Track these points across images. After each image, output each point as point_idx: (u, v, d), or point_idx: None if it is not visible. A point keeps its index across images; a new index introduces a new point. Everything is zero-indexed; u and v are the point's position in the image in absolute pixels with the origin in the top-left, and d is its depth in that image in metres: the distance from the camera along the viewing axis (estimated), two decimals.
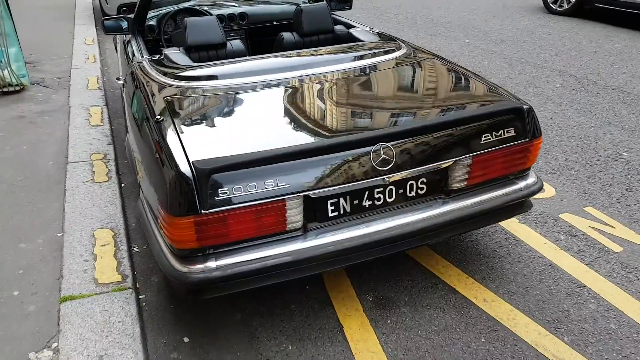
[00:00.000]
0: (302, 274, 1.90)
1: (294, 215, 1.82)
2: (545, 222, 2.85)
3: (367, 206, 1.94)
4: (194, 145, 1.79)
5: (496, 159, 2.07)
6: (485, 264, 2.52)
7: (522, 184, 2.17)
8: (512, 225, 2.81)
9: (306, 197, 1.81)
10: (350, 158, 1.83)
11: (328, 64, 2.44)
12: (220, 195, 1.69)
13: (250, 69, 2.40)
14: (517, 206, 2.23)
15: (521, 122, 2.08)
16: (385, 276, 2.43)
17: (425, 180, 2.00)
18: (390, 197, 1.97)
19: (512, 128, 2.06)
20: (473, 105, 2.19)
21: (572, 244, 2.67)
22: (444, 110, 2.11)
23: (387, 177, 1.87)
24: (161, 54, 2.66)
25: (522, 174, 2.21)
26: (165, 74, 2.37)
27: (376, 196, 1.94)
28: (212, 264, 1.76)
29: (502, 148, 2.05)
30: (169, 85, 2.28)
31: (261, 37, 3.89)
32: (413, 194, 2.01)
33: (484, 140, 2.01)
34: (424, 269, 2.48)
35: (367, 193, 1.92)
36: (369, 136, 1.86)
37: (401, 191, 1.98)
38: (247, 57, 2.63)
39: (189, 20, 2.88)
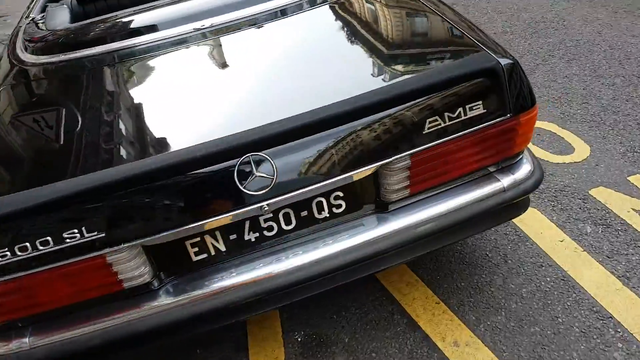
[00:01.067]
0: (166, 340, 1.38)
1: (132, 269, 1.24)
2: (567, 204, 2.02)
3: (254, 240, 1.31)
4: None
5: (453, 153, 1.30)
6: (468, 279, 1.80)
7: (505, 181, 1.39)
8: None
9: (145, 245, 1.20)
10: (201, 181, 1.17)
11: (227, 10, 1.67)
12: None
13: (124, 28, 1.72)
14: (501, 212, 1.46)
15: (496, 89, 1.26)
16: (326, 302, 1.79)
17: (341, 194, 1.30)
18: (288, 224, 1.31)
19: (480, 101, 1.25)
20: (411, 69, 1.35)
21: (602, 242, 1.85)
22: (356, 85, 1.29)
23: (267, 204, 1.19)
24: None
25: (508, 163, 1.42)
26: (25, 44, 1.80)
27: (264, 225, 1.29)
28: (25, 340, 1.26)
29: (461, 136, 1.26)
30: (15, 61, 1.73)
31: None
32: (325, 214, 1.32)
33: (429, 128, 1.24)
34: (380, 287, 1.81)
35: (247, 223, 1.27)
36: (228, 146, 1.15)
37: (304, 213, 1.30)
38: (137, 7, 1.90)
39: None
